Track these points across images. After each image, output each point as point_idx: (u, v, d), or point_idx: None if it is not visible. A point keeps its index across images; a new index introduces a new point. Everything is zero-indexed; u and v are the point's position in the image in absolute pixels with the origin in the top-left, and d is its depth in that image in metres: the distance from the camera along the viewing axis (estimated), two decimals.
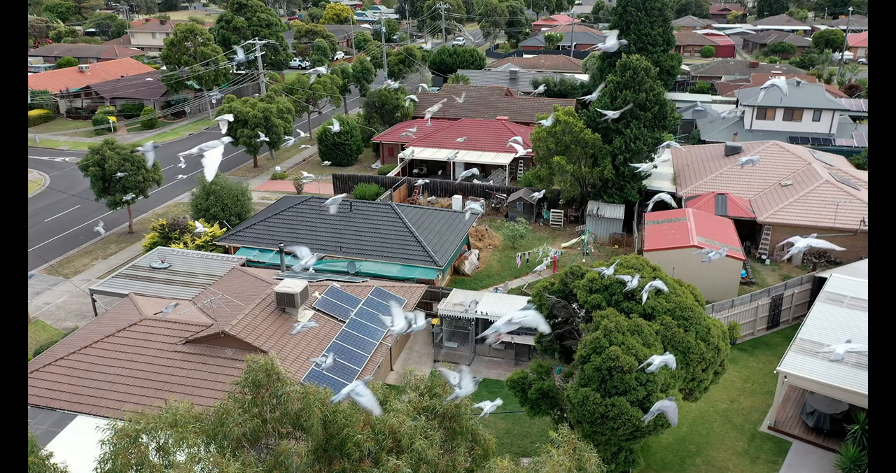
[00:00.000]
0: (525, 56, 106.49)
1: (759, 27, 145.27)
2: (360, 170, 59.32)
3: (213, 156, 13.00)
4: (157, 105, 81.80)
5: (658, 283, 20.11)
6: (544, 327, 14.29)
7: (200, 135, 74.69)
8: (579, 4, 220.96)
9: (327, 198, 28.44)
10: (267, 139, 53.68)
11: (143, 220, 48.66)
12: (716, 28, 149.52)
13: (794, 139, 55.17)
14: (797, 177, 42.36)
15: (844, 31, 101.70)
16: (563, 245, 41.76)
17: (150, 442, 13.62)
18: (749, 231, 40.60)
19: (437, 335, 31.78)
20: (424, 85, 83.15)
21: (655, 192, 44.68)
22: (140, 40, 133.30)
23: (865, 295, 27.84)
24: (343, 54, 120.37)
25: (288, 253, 32.90)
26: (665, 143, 32.59)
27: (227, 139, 14.95)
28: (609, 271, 20.94)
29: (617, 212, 42.94)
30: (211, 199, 42.05)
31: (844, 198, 39.03)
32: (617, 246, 42.36)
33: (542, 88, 54.00)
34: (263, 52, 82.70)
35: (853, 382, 23.39)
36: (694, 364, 20.67)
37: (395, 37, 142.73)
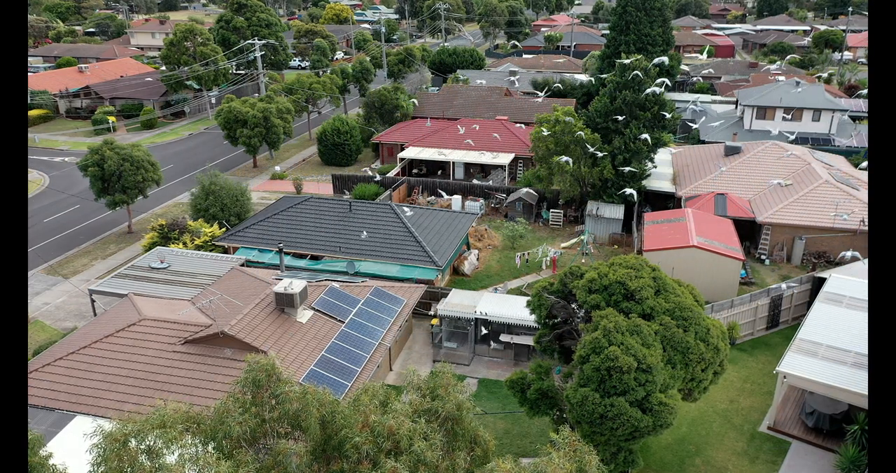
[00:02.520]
0: (525, 56, 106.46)
1: (759, 27, 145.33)
2: (360, 170, 59.28)
3: None
4: (157, 105, 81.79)
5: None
6: None
7: (200, 135, 74.69)
8: (579, 4, 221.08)
9: (327, 198, 28.45)
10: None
11: (142, 220, 48.64)
12: (715, 28, 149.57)
13: (794, 139, 55.09)
14: (797, 177, 42.37)
15: (844, 31, 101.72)
16: (563, 245, 41.75)
17: (138, 445, 13.58)
18: (749, 231, 40.59)
19: (437, 335, 31.77)
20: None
21: (655, 192, 45.00)
22: (140, 40, 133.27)
23: (865, 295, 27.85)
24: (343, 54, 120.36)
25: None
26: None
27: None
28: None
29: (616, 212, 42.93)
30: (210, 199, 42.03)
31: (844, 198, 39.03)
32: (616, 247, 42.35)
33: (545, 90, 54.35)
34: (263, 52, 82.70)
35: (853, 382, 23.39)
36: (693, 364, 20.67)
37: (394, 37, 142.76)
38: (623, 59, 43.19)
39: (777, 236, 39.58)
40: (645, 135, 40.82)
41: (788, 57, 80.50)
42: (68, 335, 29.95)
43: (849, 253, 34.28)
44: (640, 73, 41.85)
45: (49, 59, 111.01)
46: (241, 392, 15.36)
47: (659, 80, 42.33)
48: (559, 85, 70.81)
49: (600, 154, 41.34)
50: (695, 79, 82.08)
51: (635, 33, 68.34)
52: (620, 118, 41.94)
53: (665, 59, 43.45)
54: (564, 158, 41.08)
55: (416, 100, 63.03)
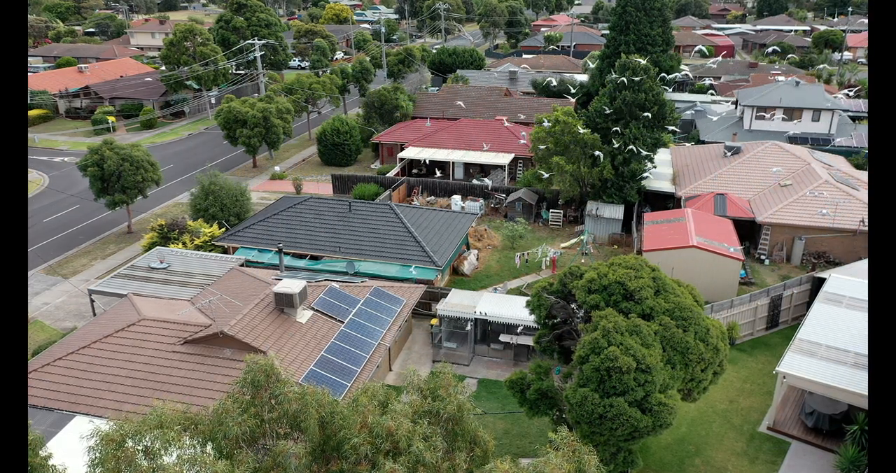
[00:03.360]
0: (525, 56, 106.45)
1: (759, 27, 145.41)
2: (359, 170, 59.31)
3: None
4: (157, 105, 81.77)
5: None
6: None
7: (200, 135, 74.68)
8: (579, 4, 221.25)
9: (327, 198, 28.44)
10: None
11: (141, 220, 48.63)
12: (715, 28, 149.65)
13: (794, 139, 55.20)
14: (796, 178, 42.37)
15: (844, 31, 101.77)
16: (563, 245, 41.74)
17: (136, 446, 13.56)
18: (748, 231, 40.59)
19: (436, 335, 31.76)
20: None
21: (655, 192, 44.99)
22: (139, 40, 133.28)
23: (865, 295, 27.85)
24: (343, 54, 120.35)
25: None
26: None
27: None
28: None
29: (616, 212, 42.93)
30: (210, 199, 42.02)
31: (844, 198, 39.04)
32: (616, 247, 42.35)
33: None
34: (263, 52, 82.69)
35: (852, 382, 23.39)
36: (693, 364, 20.66)
37: (394, 37, 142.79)
38: (627, 58, 43.16)
39: (777, 236, 39.58)
40: (673, 128, 41.51)
41: (785, 57, 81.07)
42: (68, 335, 29.94)
43: (825, 211, 36.15)
44: (644, 77, 41.94)
45: (49, 59, 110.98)
46: (240, 392, 15.35)
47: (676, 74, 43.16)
48: (578, 84, 70.72)
49: (634, 147, 41.46)
50: (706, 80, 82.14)
51: (635, 33, 68.34)
52: (617, 124, 42.22)
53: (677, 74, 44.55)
54: (598, 153, 41.38)
55: (461, 103, 63.93)
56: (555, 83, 72.59)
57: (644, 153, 42.01)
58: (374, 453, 14.33)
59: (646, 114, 42.04)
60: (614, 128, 42.76)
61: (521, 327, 29.76)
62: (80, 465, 15.29)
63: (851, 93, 71.51)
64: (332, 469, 14.76)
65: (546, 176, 43.09)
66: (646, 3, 68.36)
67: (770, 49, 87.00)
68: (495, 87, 69.52)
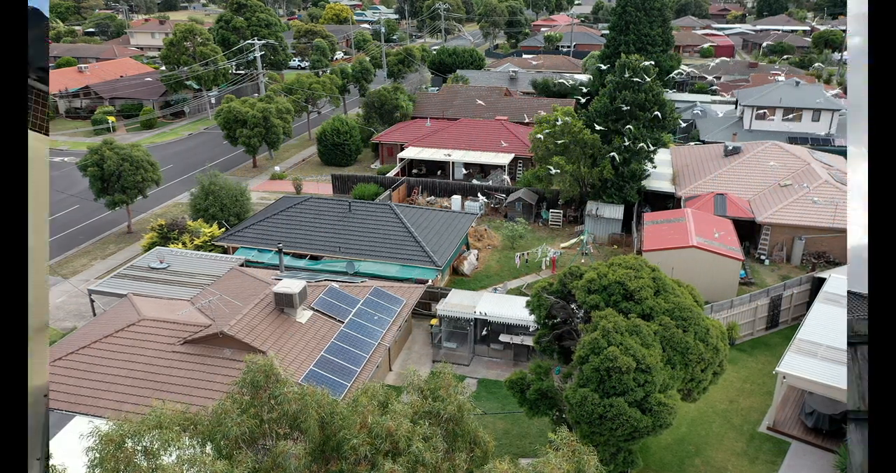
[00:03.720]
0: (524, 56, 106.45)
1: (759, 27, 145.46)
2: (359, 170, 59.31)
3: None
4: (157, 105, 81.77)
5: None
6: None
7: (200, 135, 74.67)
8: (579, 4, 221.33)
9: (327, 198, 28.40)
10: None
11: (141, 220, 48.63)
12: (715, 28, 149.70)
13: (794, 139, 55.21)
14: (796, 178, 42.38)
15: (844, 31, 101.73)
16: (562, 245, 41.75)
17: (135, 446, 13.55)
18: (749, 231, 40.59)
19: (436, 335, 31.76)
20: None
21: (655, 192, 44.99)
22: (139, 40, 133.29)
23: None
24: (343, 54, 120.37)
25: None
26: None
27: None
28: None
29: (616, 212, 42.93)
30: (210, 199, 42.02)
31: (844, 198, 39.02)
32: (616, 247, 42.34)
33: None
34: (263, 52, 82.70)
35: None
36: (693, 364, 20.65)
37: (394, 37, 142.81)
38: (627, 58, 43.16)
39: (777, 236, 39.58)
40: (680, 123, 41.78)
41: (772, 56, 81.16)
42: (68, 335, 29.94)
43: (816, 199, 37.07)
44: (644, 76, 41.87)
45: (49, 59, 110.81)
46: (239, 392, 15.34)
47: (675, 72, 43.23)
48: (581, 86, 70.81)
49: (645, 144, 41.17)
50: (709, 77, 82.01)
51: (635, 33, 68.35)
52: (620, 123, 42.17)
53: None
54: (612, 154, 41.36)
55: (480, 101, 64.21)
56: (568, 83, 72.38)
57: (652, 147, 42.03)
58: (374, 453, 14.32)
59: (655, 113, 41.99)
60: (615, 128, 42.78)
61: (531, 328, 29.71)
62: (79, 465, 15.28)
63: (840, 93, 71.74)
64: (331, 469, 14.76)
65: (554, 171, 42.84)
66: (646, 3, 68.37)
67: (762, 47, 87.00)
68: (495, 87, 69.53)
